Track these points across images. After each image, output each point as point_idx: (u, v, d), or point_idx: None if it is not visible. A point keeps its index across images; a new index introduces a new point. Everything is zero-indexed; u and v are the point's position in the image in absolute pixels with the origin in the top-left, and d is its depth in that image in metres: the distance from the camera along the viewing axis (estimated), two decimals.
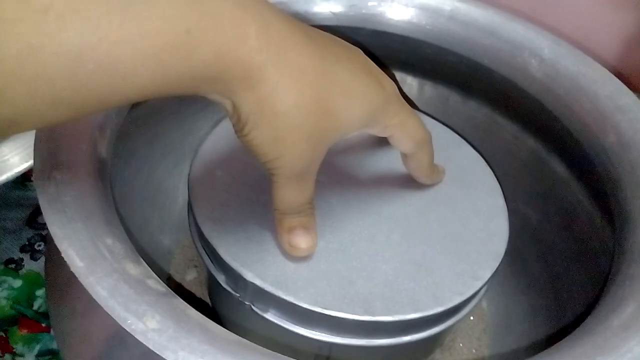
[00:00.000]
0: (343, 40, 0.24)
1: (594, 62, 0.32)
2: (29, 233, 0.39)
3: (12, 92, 0.15)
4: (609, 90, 0.31)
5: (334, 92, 0.21)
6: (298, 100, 0.19)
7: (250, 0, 0.18)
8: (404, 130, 0.25)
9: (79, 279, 0.19)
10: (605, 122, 0.29)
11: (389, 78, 0.24)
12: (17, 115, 0.15)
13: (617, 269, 0.23)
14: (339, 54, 0.22)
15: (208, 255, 0.27)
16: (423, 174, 0.29)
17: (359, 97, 0.22)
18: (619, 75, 0.32)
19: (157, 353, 0.17)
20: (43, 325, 0.35)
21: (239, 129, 0.20)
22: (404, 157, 0.28)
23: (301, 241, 0.25)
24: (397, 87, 0.24)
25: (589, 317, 0.21)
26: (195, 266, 0.37)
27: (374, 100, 0.23)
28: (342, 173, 0.30)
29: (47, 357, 0.34)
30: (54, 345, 0.35)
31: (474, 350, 0.34)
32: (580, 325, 0.21)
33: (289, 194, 0.23)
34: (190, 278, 0.37)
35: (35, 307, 0.36)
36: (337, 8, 0.36)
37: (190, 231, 0.29)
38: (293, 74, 0.19)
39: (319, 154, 0.22)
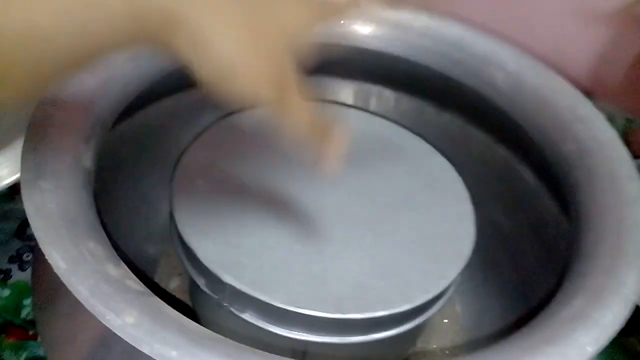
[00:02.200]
0: None
1: (556, 75, 0.34)
2: (17, 244, 0.40)
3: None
4: (568, 100, 0.32)
5: None
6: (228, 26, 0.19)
7: None
8: None
9: (62, 279, 0.20)
10: (565, 131, 0.31)
11: None
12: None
13: (571, 267, 0.25)
14: None
15: (188, 260, 0.29)
16: None
17: None
18: (590, 90, 0.33)
19: (134, 345, 0.19)
20: (30, 333, 0.36)
21: (196, 75, 0.19)
22: None
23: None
24: None
25: (541, 311, 0.23)
26: (179, 274, 0.38)
27: None
28: (317, 181, 0.31)
29: None
30: (40, 352, 0.36)
31: (447, 352, 0.36)
32: (532, 320, 0.22)
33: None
34: (173, 286, 0.38)
35: (22, 316, 0.37)
36: None
37: (172, 238, 0.30)
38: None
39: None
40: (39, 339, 0.36)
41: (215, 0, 0.19)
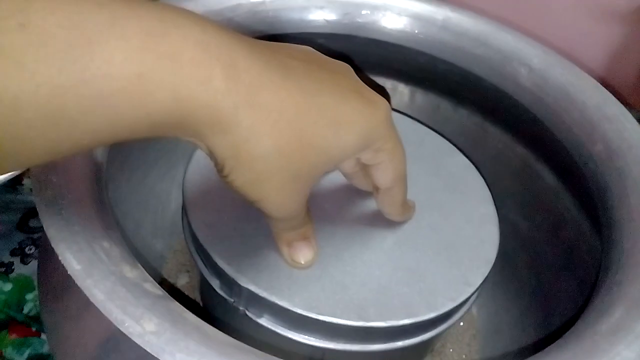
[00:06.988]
0: (330, 60, 0.22)
1: (582, 72, 0.33)
2: (19, 237, 0.39)
3: None
4: (596, 99, 0.31)
5: (320, 125, 0.19)
6: (278, 142, 0.18)
7: (215, 39, 0.17)
8: (392, 158, 0.23)
9: (76, 281, 0.19)
10: (592, 131, 0.30)
11: (381, 97, 0.22)
12: None
13: (605, 275, 0.24)
14: (323, 81, 0.20)
15: (202, 261, 0.27)
16: (395, 211, 0.27)
17: (350, 124, 0.20)
18: (605, 85, 0.32)
19: (155, 356, 0.18)
20: (33, 329, 0.35)
21: (218, 170, 0.19)
22: (377, 191, 0.25)
23: (302, 255, 0.25)
24: (389, 108, 0.23)
25: (577, 321, 0.22)
26: (188, 271, 0.37)
27: (367, 123, 0.21)
28: (335, 179, 0.30)
29: None
30: (44, 350, 0.34)
31: (463, 356, 0.35)
32: (569, 330, 0.21)
33: (281, 225, 0.23)
34: (182, 283, 0.37)
35: (25, 311, 0.36)
36: (331, 16, 0.36)
37: (185, 236, 0.29)
38: (270, 114, 0.18)
39: (309, 189, 0.21)
40: (42, 335, 0.35)
41: (275, 111, 0.18)
